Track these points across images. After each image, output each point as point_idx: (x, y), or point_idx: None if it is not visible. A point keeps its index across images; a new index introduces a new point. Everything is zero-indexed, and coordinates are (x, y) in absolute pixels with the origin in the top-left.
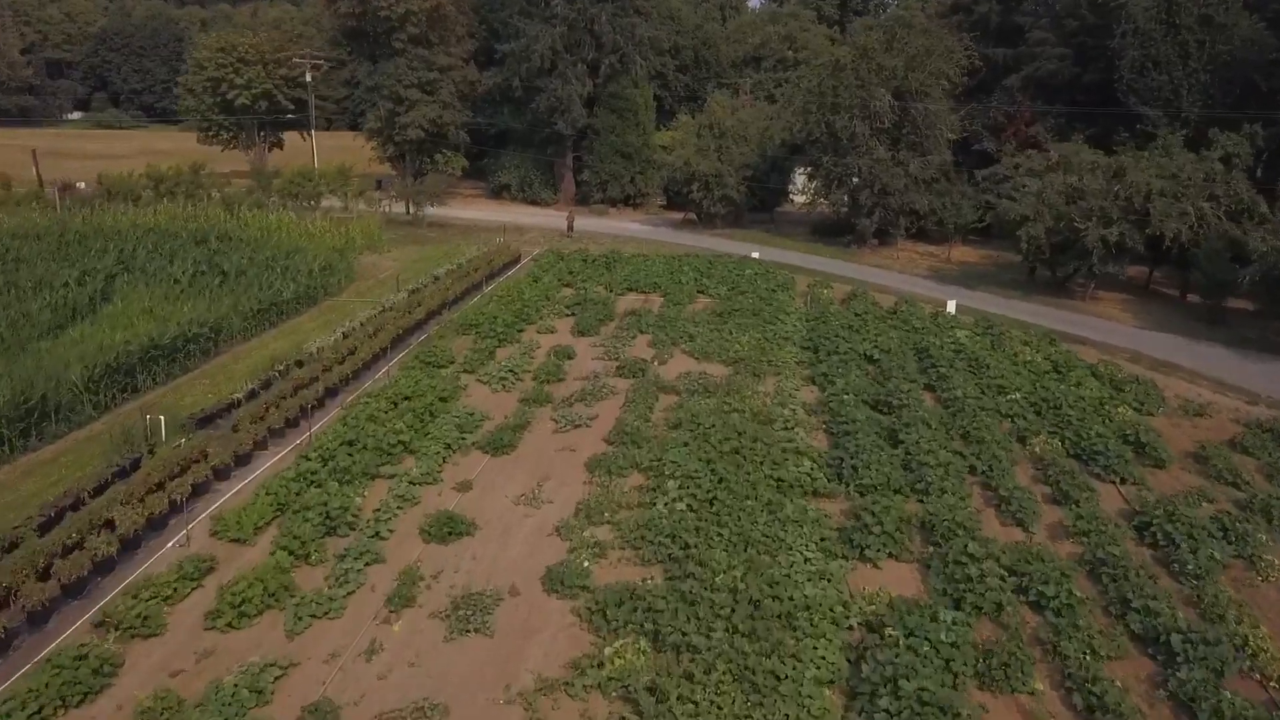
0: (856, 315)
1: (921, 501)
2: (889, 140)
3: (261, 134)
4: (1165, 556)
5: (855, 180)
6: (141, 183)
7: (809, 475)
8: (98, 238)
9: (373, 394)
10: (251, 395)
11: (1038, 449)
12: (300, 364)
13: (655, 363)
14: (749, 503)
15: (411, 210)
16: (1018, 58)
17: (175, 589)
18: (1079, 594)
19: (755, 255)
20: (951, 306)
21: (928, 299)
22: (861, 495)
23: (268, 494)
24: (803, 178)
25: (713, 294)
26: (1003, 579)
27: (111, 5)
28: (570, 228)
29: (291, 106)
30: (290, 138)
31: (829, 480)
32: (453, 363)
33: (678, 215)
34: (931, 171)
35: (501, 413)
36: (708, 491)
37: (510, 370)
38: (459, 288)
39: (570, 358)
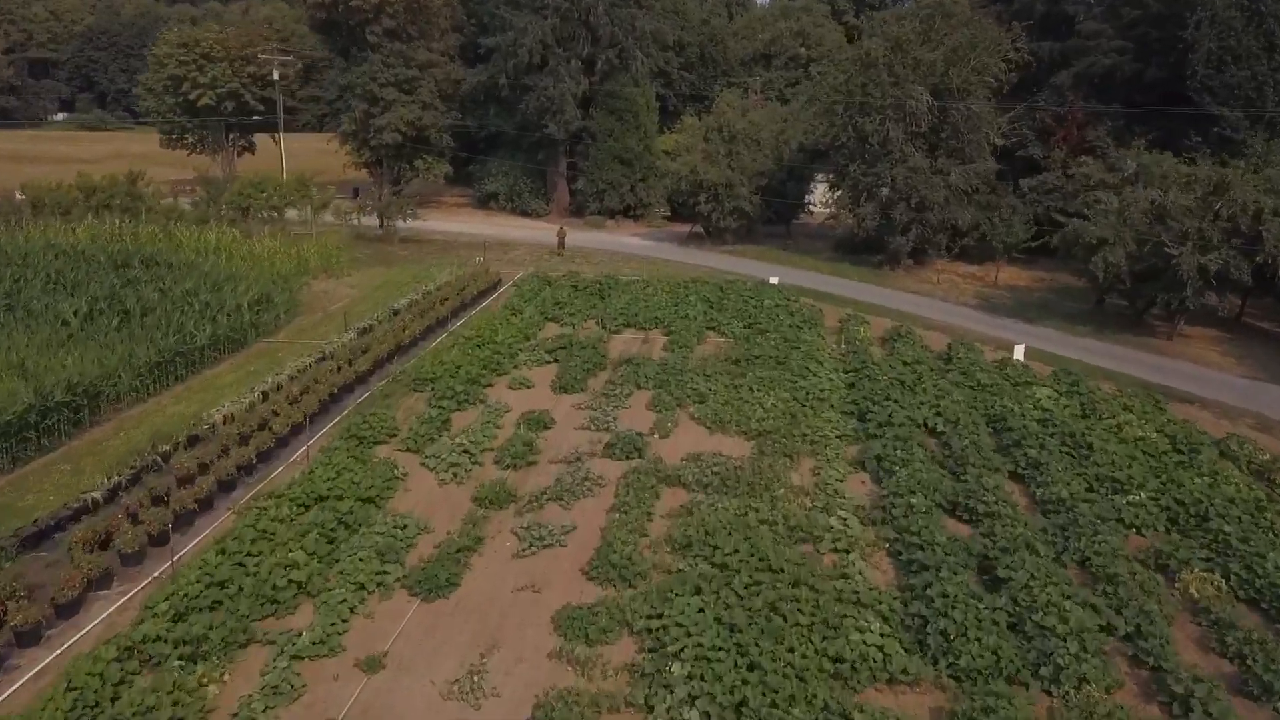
0: (905, 364)
1: (1049, 693)
2: (925, 146)
3: (230, 137)
4: None
5: (887, 191)
6: (71, 194)
7: (879, 648)
8: None
9: (277, 492)
10: (114, 493)
11: (1193, 590)
12: (193, 441)
13: (655, 435)
14: (795, 712)
15: (384, 224)
16: (1066, 52)
17: None
18: None
19: (774, 281)
20: (1019, 353)
21: (985, 338)
22: (958, 683)
23: (70, 687)
24: (824, 187)
25: (726, 331)
26: None
27: (99, 3)
28: (561, 245)
29: (260, 107)
30: (264, 141)
31: (907, 651)
32: (394, 435)
33: (683, 228)
34: (974, 181)
35: (446, 521)
36: (732, 687)
37: (466, 450)
38: (419, 326)
39: (546, 427)
